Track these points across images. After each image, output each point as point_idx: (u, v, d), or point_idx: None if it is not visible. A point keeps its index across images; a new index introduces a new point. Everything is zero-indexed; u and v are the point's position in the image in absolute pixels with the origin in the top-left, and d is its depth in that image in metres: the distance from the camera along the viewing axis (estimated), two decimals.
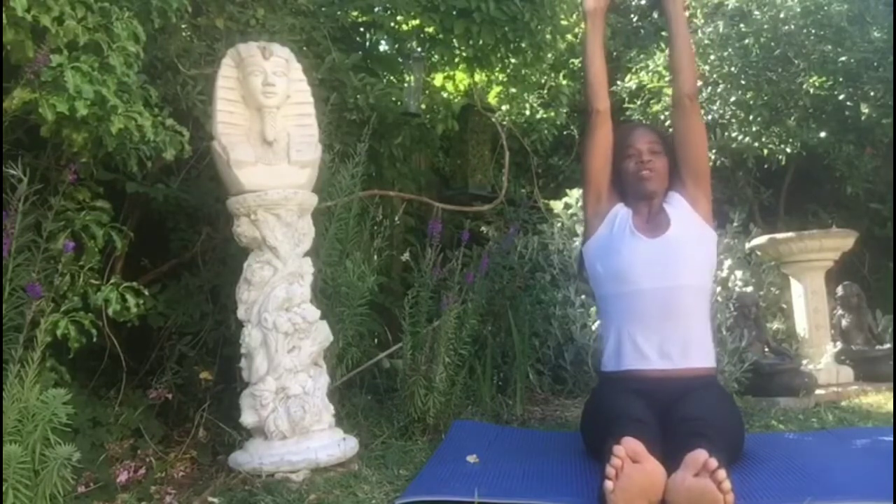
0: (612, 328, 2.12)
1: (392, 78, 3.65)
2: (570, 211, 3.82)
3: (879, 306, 3.97)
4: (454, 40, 3.53)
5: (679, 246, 2.06)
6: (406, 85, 3.46)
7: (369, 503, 1.75)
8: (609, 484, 1.48)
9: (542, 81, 4.45)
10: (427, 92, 3.71)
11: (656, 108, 4.74)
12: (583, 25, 2.27)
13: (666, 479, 1.51)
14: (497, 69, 3.98)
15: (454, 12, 3.33)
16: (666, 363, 1.99)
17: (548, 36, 3.60)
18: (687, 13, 4.72)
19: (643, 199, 2.16)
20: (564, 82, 4.77)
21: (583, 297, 3.22)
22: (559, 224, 3.73)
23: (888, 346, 3.57)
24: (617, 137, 2.23)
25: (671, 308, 2.02)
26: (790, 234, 3.55)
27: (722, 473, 1.44)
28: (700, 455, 1.47)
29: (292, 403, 1.97)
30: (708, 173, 2.22)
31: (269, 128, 2.08)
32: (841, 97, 4.25)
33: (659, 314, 2.02)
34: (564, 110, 4.67)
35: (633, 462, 1.50)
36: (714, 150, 4.43)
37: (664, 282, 2.02)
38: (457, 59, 3.71)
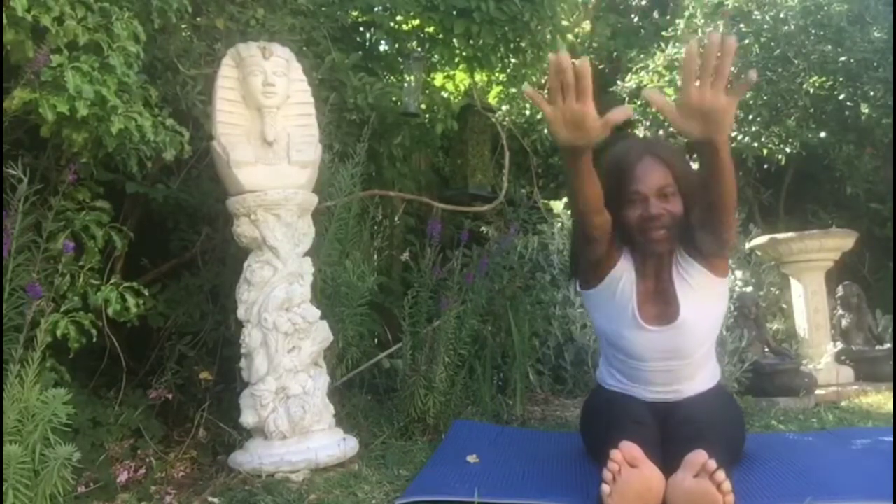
0: (610, 366, 1.98)
1: (392, 78, 3.65)
2: (570, 211, 3.82)
3: (879, 306, 3.97)
4: (454, 40, 3.53)
5: (692, 330, 1.82)
6: (406, 85, 3.45)
7: (369, 503, 1.75)
8: (605, 488, 1.48)
9: (543, 81, 4.44)
10: (427, 92, 3.70)
11: None
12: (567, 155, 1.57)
13: (664, 483, 1.50)
14: (497, 69, 3.98)
15: (454, 12, 3.33)
16: (667, 397, 1.91)
17: (548, 36, 3.60)
18: (687, 13, 4.75)
19: (652, 257, 1.83)
20: None
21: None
22: (559, 224, 3.72)
23: (888, 346, 3.57)
24: (613, 167, 1.78)
25: (678, 372, 1.88)
26: (790, 234, 3.54)
27: (721, 475, 1.43)
28: (699, 456, 1.46)
29: (292, 403, 1.97)
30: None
31: (269, 128, 2.08)
32: (841, 97, 4.24)
33: (664, 378, 1.89)
34: None
35: (630, 467, 1.50)
36: None
37: (673, 361, 1.86)
38: (457, 59, 3.71)
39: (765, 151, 4.36)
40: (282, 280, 2.04)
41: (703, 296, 1.81)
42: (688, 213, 1.76)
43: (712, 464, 1.44)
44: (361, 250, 2.62)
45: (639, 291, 1.83)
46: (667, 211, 1.73)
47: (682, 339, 1.82)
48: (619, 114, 1.35)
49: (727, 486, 1.43)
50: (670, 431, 1.73)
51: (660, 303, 1.83)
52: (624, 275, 1.84)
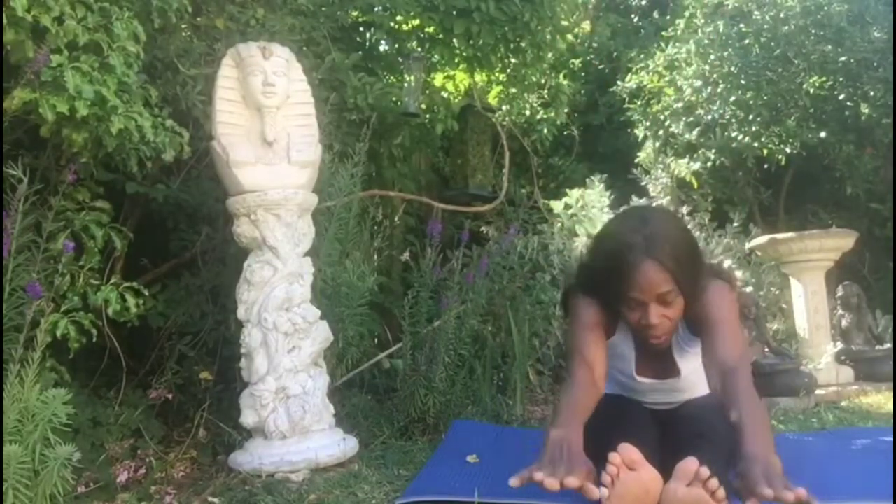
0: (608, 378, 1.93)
1: (392, 78, 3.65)
2: (570, 211, 3.82)
3: (879, 306, 3.97)
4: (454, 40, 3.53)
5: (691, 380, 1.82)
6: (406, 85, 3.46)
7: (369, 503, 1.75)
8: (604, 491, 1.47)
9: (542, 81, 4.45)
10: (427, 92, 3.71)
11: (656, 108, 4.74)
12: None
13: (661, 485, 1.50)
14: (497, 69, 3.99)
15: (454, 12, 3.33)
16: (666, 407, 1.93)
17: (548, 36, 3.60)
18: (687, 13, 4.75)
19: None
20: (564, 82, 4.78)
21: None
22: (559, 224, 3.72)
23: (888, 346, 3.57)
24: (610, 263, 1.63)
25: (677, 395, 1.89)
26: (790, 234, 3.54)
27: (714, 482, 1.42)
28: (691, 464, 1.44)
29: (292, 403, 1.97)
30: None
31: (269, 128, 2.08)
32: (841, 97, 4.24)
33: (662, 398, 1.90)
34: (564, 110, 4.67)
35: (629, 470, 1.49)
36: (714, 150, 4.44)
37: (670, 399, 1.88)
38: (457, 59, 3.71)
39: (765, 151, 4.36)
40: (282, 280, 2.04)
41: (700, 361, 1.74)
42: (689, 306, 1.67)
43: (705, 471, 1.43)
44: (361, 250, 2.62)
45: (637, 356, 1.81)
46: (667, 317, 1.63)
47: (681, 387, 1.84)
48: (591, 495, 1.35)
49: (721, 493, 1.42)
50: (670, 431, 1.73)
51: (658, 361, 1.80)
52: (622, 343, 1.81)
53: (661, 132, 4.74)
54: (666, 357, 1.78)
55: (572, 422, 1.51)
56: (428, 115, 3.80)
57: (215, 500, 1.79)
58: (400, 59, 3.63)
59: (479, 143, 4.54)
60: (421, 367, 2.44)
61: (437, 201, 3.55)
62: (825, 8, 4.15)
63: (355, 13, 3.45)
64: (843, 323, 3.71)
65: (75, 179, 1.88)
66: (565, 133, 5.14)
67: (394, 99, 3.31)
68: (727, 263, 3.49)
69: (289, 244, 2.06)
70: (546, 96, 4.62)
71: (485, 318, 3.00)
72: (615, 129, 5.41)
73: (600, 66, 5.88)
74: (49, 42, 1.68)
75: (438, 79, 4.43)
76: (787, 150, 4.30)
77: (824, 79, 4.25)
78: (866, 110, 4.15)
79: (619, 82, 5.03)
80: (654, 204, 4.32)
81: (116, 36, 1.79)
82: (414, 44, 3.61)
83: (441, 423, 2.44)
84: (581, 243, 3.59)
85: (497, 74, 4.24)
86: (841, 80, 4.23)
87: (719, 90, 4.42)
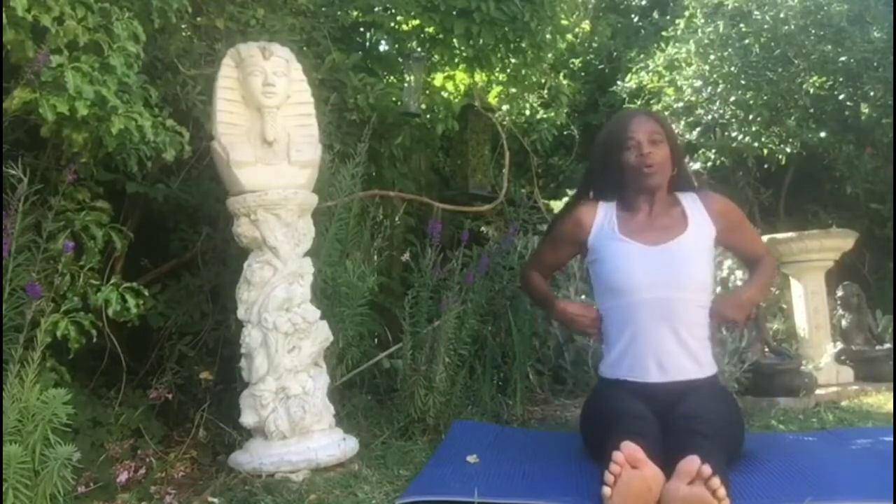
0: (611, 336, 2.06)
1: (392, 78, 3.65)
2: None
3: (879, 306, 3.97)
4: (454, 40, 3.53)
5: (681, 256, 1.99)
6: (406, 85, 3.45)
7: (369, 503, 1.75)
8: (607, 490, 1.48)
9: (542, 81, 4.45)
10: (427, 92, 3.71)
11: (656, 107, 4.74)
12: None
13: (663, 482, 1.50)
14: (497, 69, 3.98)
15: (454, 12, 3.33)
16: (665, 376, 1.95)
17: (548, 36, 3.60)
18: (687, 13, 4.75)
19: (644, 192, 2.07)
20: (564, 82, 4.78)
21: (583, 297, 3.22)
22: None
23: (888, 346, 3.57)
24: (614, 127, 2.12)
25: (671, 317, 1.95)
26: (790, 235, 3.54)
27: (716, 481, 1.42)
28: (693, 463, 1.45)
29: (292, 403, 1.97)
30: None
31: (269, 128, 2.08)
32: (841, 97, 4.24)
33: (659, 326, 1.96)
34: (564, 110, 4.68)
35: (631, 468, 1.49)
36: (714, 150, 4.44)
37: (664, 292, 1.96)
38: (457, 59, 3.71)
39: (765, 151, 4.36)
40: (282, 280, 2.04)
41: (700, 239, 2.05)
42: (674, 164, 2.09)
43: (707, 469, 1.43)
44: (362, 250, 2.62)
45: (625, 221, 2.08)
46: (654, 151, 2.03)
47: (671, 262, 1.98)
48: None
49: (722, 491, 1.43)
50: (670, 426, 1.73)
51: (658, 223, 2.06)
52: (604, 225, 2.10)
53: None
54: (667, 210, 2.08)
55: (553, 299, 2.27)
56: (428, 115, 3.80)
57: (215, 500, 1.79)
58: (400, 59, 3.62)
59: (479, 143, 4.53)
60: (421, 367, 2.44)
61: (437, 201, 3.54)
62: (825, 8, 4.15)
63: (355, 13, 3.45)
64: (843, 323, 3.71)
65: (75, 179, 1.88)
66: (565, 133, 5.14)
67: (394, 99, 3.31)
68: (727, 264, 3.49)
69: (289, 244, 2.06)
70: (546, 96, 4.62)
71: (485, 318, 3.00)
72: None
73: (600, 66, 5.89)
74: (49, 42, 1.68)
75: (438, 79, 4.43)
76: (787, 150, 4.30)
77: (824, 79, 4.25)
78: (866, 110, 4.16)
79: (619, 82, 5.03)
80: None
81: (116, 36, 1.79)
82: (414, 44, 3.60)
83: (441, 423, 2.44)
84: None
85: (497, 74, 4.24)
86: (841, 80, 4.23)
87: (719, 90, 4.42)
